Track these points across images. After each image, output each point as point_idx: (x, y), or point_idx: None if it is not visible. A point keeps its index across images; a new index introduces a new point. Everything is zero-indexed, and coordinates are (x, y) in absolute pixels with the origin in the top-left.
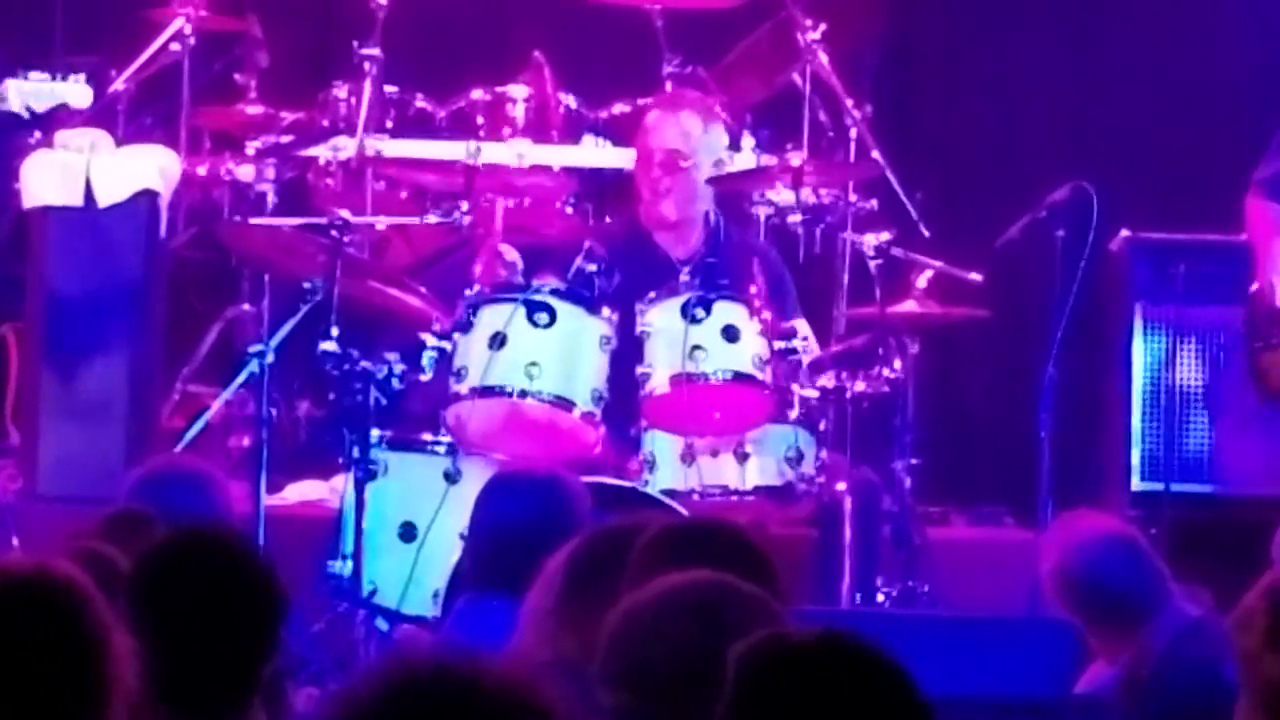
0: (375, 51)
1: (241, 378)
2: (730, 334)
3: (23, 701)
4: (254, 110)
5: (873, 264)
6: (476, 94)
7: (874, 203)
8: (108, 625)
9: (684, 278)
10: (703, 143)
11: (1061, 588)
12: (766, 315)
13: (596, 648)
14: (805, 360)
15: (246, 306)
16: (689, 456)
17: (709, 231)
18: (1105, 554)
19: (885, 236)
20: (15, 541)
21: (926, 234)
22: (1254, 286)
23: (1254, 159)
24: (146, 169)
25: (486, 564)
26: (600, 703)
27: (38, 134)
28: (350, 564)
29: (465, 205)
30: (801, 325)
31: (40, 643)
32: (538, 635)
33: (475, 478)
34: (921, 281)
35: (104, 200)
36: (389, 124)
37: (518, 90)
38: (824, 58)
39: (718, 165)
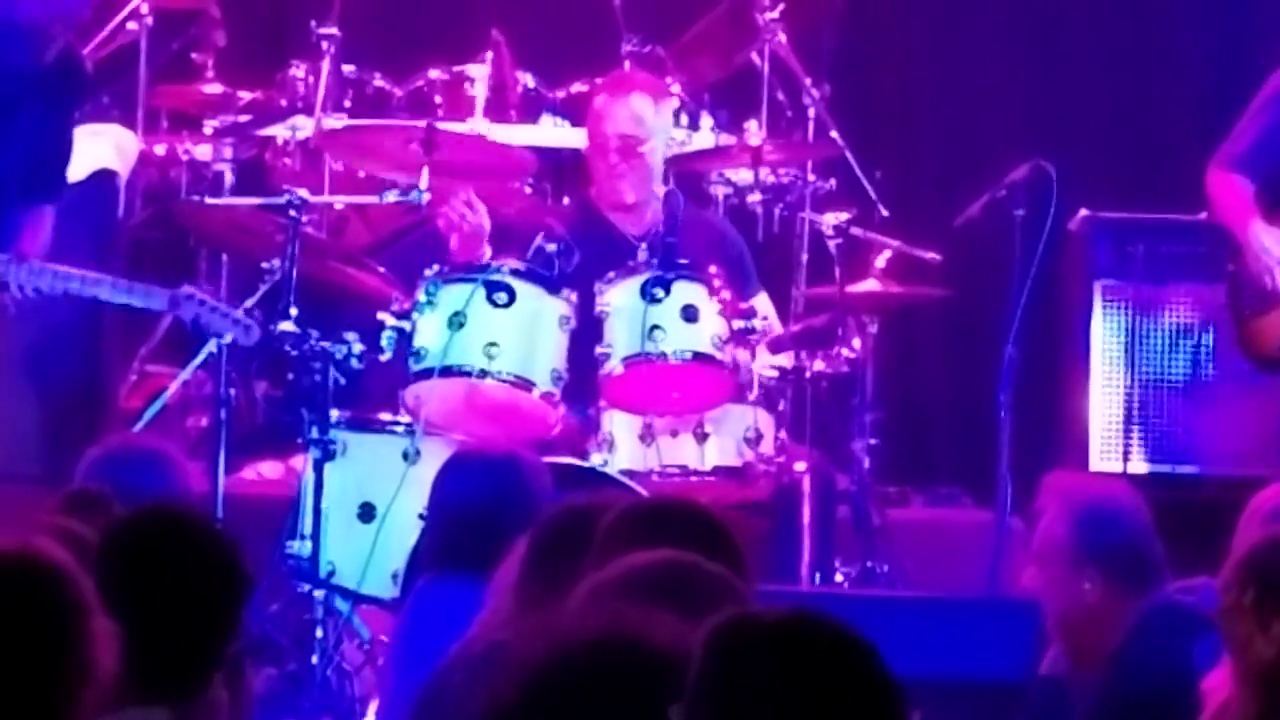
0: (333, 31)
1: (200, 358)
2: (689, 314)
3: (6, 676)
4: (212, 90)
5: (832, 243)
6: (434, 73)
7: (833, 182)
8: (90, 606)
9: (642, 256)
10: (656, 124)
11: (1080, 542)
12: (726, 295)
13: None
14: (765, 337)
15: (204, 286)
16: (648, 436)
17: (668, 211)
18: (1130, 507)
19: (844, 216)
20: None
21: (885, 213)
22: (1230, 267)
23: (1212, 138)
24: (104, 148)
25: (445, 543)
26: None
27: None
28: (309, 544)
29: (424, 184)
30: (762, 301)
31: (24, 622)
32: (502, 616)
33: (434, 458)
34: (880, 261)
35: None
36: (347, 103)
37: (476, 70)
38: (782, 37)
39: (671, 144)
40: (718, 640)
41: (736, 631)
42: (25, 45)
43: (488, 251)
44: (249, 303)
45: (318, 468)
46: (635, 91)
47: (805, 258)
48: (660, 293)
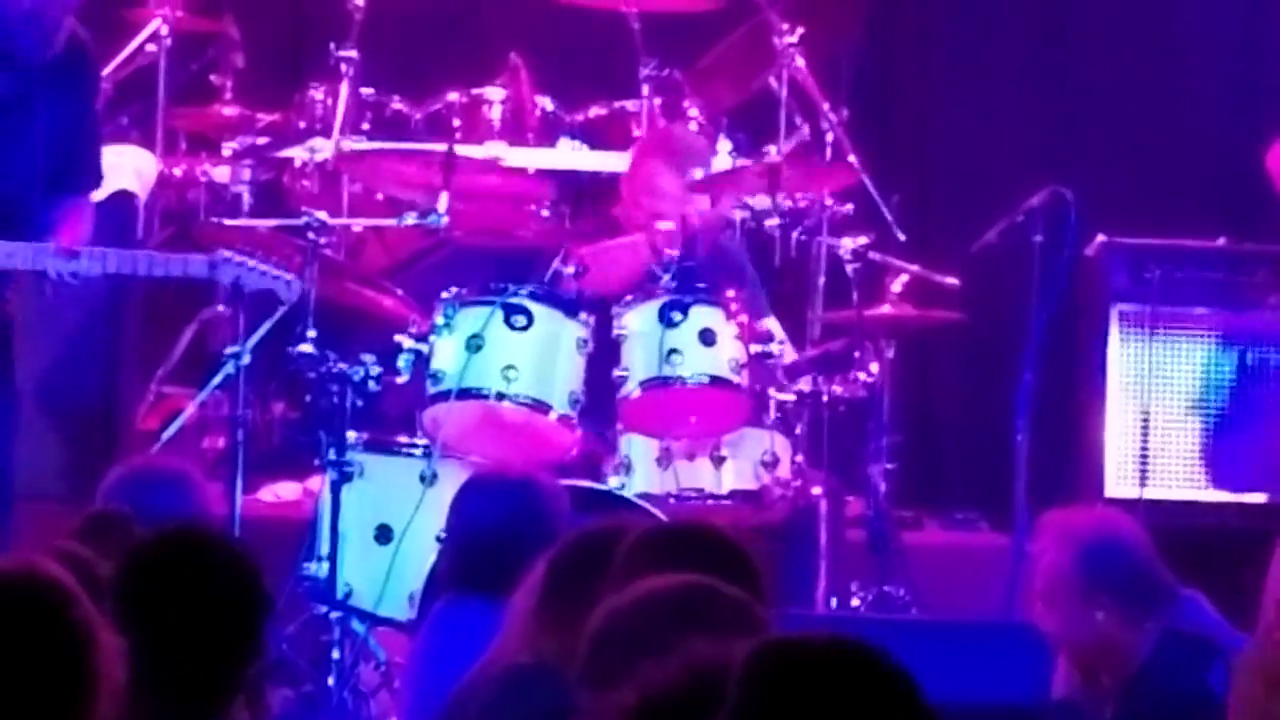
0: (352, 53)
1: (217, 379)
2: (707, 338)
3: (11, 700)
4: (230, 111)
5: (849, 268)
6: (453, 96)
7: (850, 207)
8: (94, 624)
9: (661, 279)
10: (677, 183)
11: (1089, 574)
12: (743, 319)
13: (577, 650)
14: (784, 361)
15: (221, 308)
16: (665, 460)
17: (686, 235)
18: (1130, 533)
19: (862, 240)
20: None
21: (902, 238)
22: None
23: (1229, 164)
24: (122, 170)
25: (463, 565)
26: (580, 704)
27: None
28: (326, 566)
29: (442, 207)
30: (772, 324)
31: (28, 642)
32: (520, 637)
33: (452, 480)
34: (897, 286)
35: None
36: (365, 126)
37: (494, 93)
38: (801, 61)
39: (695, 173)
40: (757, 666)
41: (777, 656)
42: (31, 36)
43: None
44: (266, 326)
45: (335, 489)
46: (647, 159)
47: (822, 282)
48: (678, 316)
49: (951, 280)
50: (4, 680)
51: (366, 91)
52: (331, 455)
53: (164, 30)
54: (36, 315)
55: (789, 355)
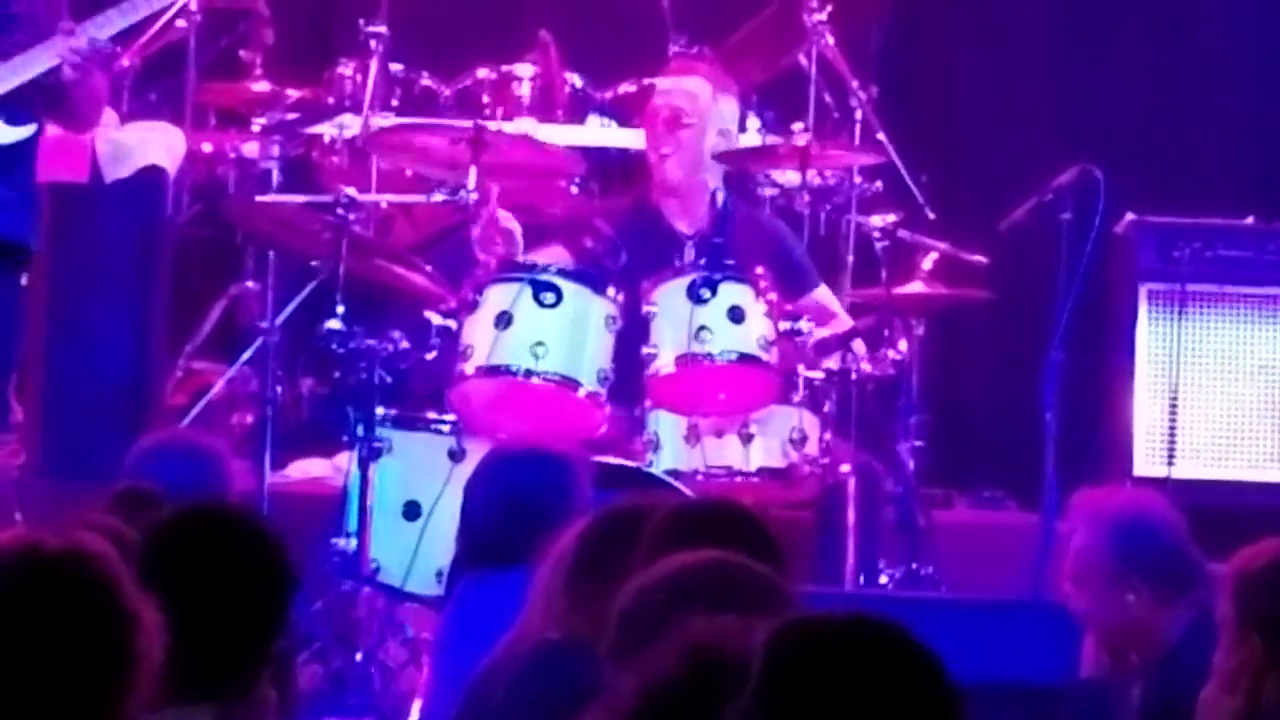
0: (381, 29)
1: (246, 355)
2: (736, 315)
3: (55, 674)
4: (259, 87)
5: (878, 245)
6: (482, 73)
7: (879, 184)
8: (137, 600)
9: (689, 256)
10: (710, 109)
11: (1121, 556)
12: (772, 296)
13: (606, 626)
14: (823, 334)
15: (251, 284)
16: (693, 437)
17: (715, 211)
18: (1163, 514)
19: (890, 218)
20: (19, 517)
21: (931, 216)
22: None
23: (1257, 143)
24: (152, 145)
25: (483, 539)
26: (609, 680)
27: None
28: (354, 541)
29: (470, 183)
30: (824, 293)
31: (74, 617)
32: (547, 613)
33: (479, 456)
34: (927, 263)
35: (110, 176)
36: (394, 102)
37: (523, 69)
38: (830, 39)
39: (725, 138)
40: (779, 644)
41: (800, 635)
42: None
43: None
44: (295, 302)
45: (363, 465)
46: (696, 75)
47: (851, 260)
48: (707, 293)
49: (980, 258)
50: (48, 655)
51: (396, 68)
52: (360, 431)
53: (193, 5)
54: (68, 289)
55: (844, 325)
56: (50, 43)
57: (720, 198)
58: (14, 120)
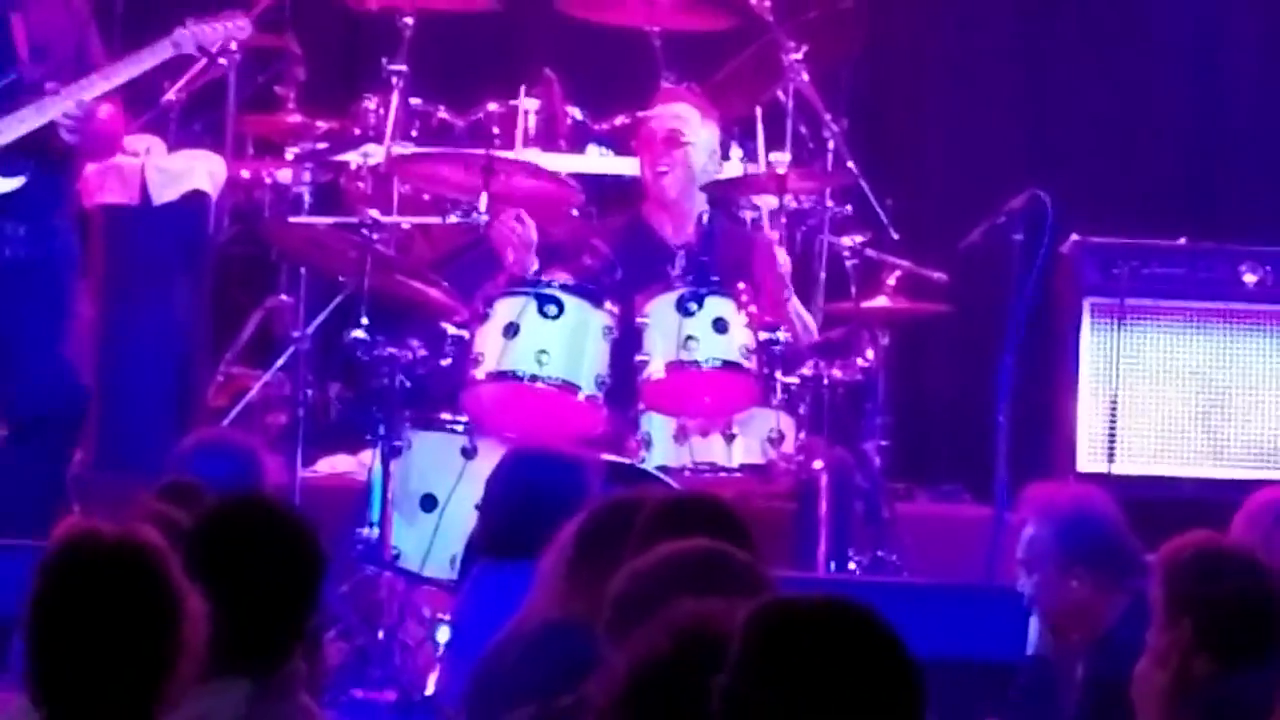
0: (402, 67)
1: (280, 361)
2: (720, 326)
3: (110, 651)
4: (293, 119)
5: (848, 263)
6: (492, 106)
7: (849, 208)
8: (185, 587)
9: (679, 265)
10: (699, 130)
11: (1066, 546)
12: (753, 309)
13: (603, 608)
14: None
15: (284, 297)
16: (682, 436)
17: (702, 230)
18: (1104, 509)
19: (859, 239)
20: (75, 509)
21: (896, 237)
22: None
23: (1188, 171)
24: (196, 171)
25: (501, 532)
26: (605, 657)
27: None
28: (376, 531)
29: (482, 206)
30: (794, 304)
31: (127, 601)
32: (550, 597)
33: (490, 454)
34: (892, 280)
35: (158, 199)
36: (414, 133)
37: (529, 103)
38: (805, 76)
39: (710, 162)
40: (760, 621)
41: (778, 614)
42: None
43: (535, 262)
44: (324, 314)
45: (385, 462)
46: (684, 101)
47: (823, 276)
48: (694, 306)
49: (940, 275)
50: (102, 635)
51: (415, 102)
52: (382, 431)
53: (233, 46)
54: (120, 301)
55: (812, 328)
56: (41, 104)
57: (705, 218)
58: (6, 172)
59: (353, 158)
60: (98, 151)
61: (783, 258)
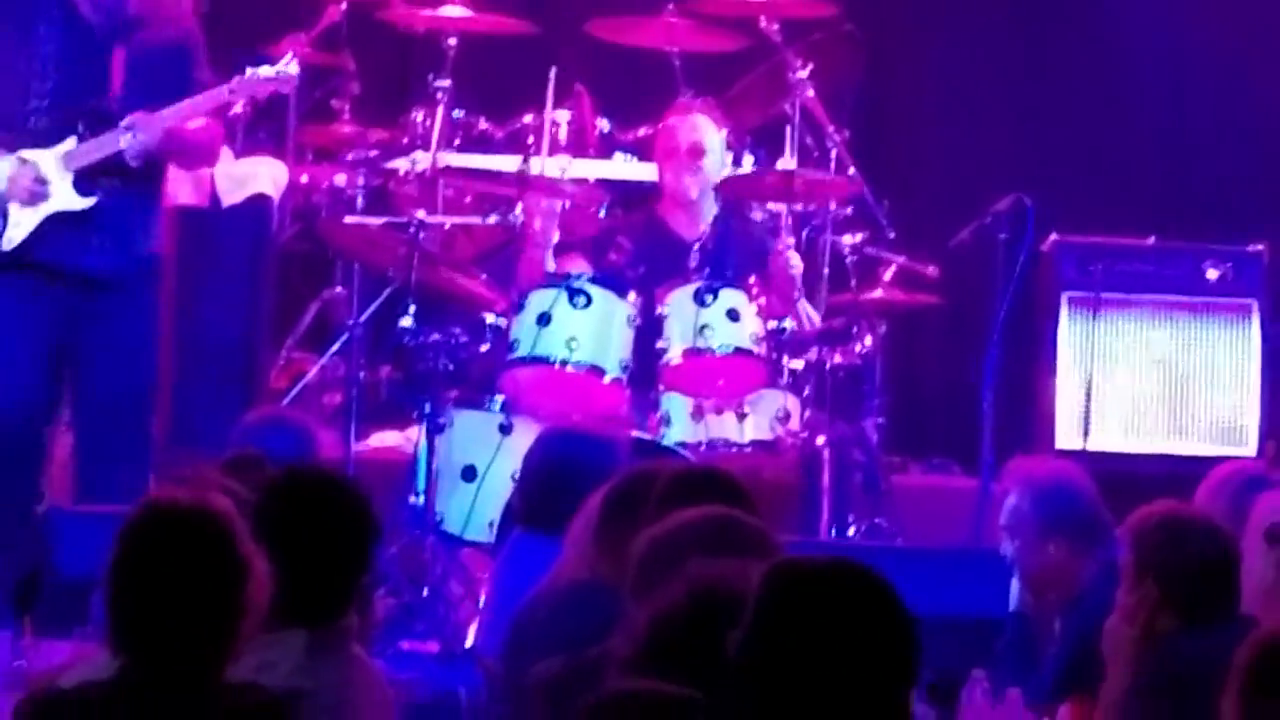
0: (446, 83)
1: (335, 347)
2: (733, 315)
3: (184, 609)
4: (347, 129)
5: (848, 260)
6: (528, 118)
7: (850, 210)
8: (251, 549)
9: (694, 259)
10: (714, 139)
11: (1044, 515)
12: (763, 301)
13: (626, 569)
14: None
15: (339, 289)
16: (698, 415)
17: (717, 229)
18: (1079, 481)
19: (859, 237)
20: (151, 479)
21: (892, 235)
22: None
23: (1159, 175)
24: (260, 177)
25: (536, 502)
26: (629, 613)
27: None
28: (422, 498)
29: (519, 209)
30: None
31: (200, 562)
32: (579, 559)
33: (524, 430)
34: (888, 274)
35: (226, 202)
36: (457, 141)
37: (562, 115)
38: (810, 92)
39: (720, 165)
40: (773, 580)
41: (789, 572)
42: None
43: (553, 263)
44: (376, 304)
45: (430, 437)
46: (698, 113)
47: (826, 271)
48: (709, 298)
49: (932, 270)
50: (177, 592)
51: (458, 114)
52: (427, 409)
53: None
54: (191, 293)
55: (815, 317)
56: (116, 132)
57: (718, 217)
58: (83, 192)
59: (401, 164)
60: (194, 162)
61: (796, 261)
